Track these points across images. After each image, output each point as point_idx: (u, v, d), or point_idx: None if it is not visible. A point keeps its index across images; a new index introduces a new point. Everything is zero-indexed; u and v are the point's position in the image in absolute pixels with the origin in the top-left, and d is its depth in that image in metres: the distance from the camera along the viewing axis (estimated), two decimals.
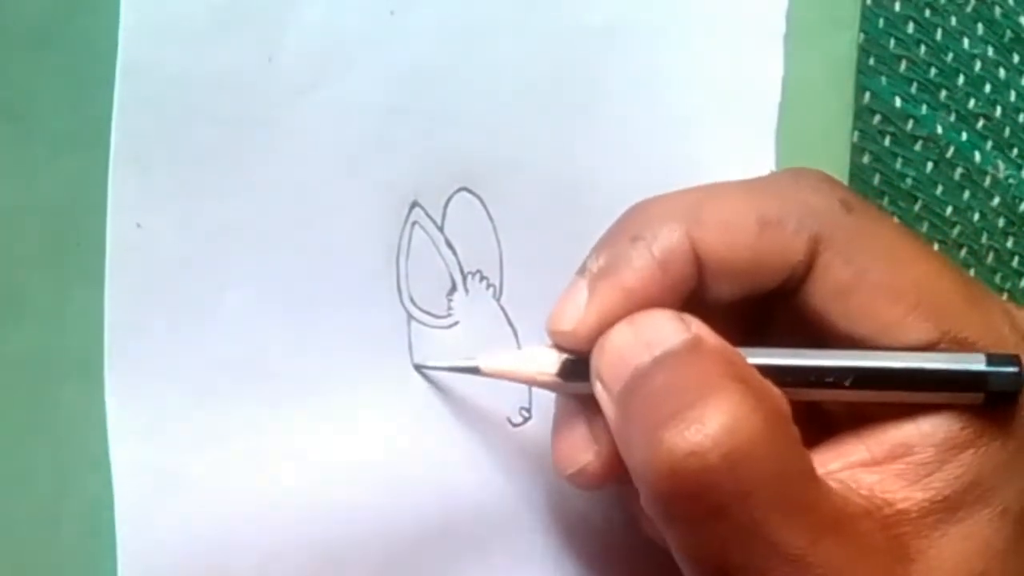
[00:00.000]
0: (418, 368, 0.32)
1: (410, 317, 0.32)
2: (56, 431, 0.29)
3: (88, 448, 0.29)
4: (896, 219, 0.28)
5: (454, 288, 0.32)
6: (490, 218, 0.33)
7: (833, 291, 0.28)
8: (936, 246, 0.39)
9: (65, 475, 0.29)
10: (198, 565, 0.30)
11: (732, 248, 0.28)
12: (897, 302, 0.27)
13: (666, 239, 0.28)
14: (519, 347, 0.33)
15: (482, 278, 0.32)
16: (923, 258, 0.28)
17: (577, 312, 0.28)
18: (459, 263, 0.32)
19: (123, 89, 0.29)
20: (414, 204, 0.32)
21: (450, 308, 0.32)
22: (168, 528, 0.29)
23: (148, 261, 0.29)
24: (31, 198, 0.29)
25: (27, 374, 0.29)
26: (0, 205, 0.29)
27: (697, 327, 0.27)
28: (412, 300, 0.32)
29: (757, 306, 0.29)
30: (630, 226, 0.29)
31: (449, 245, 0.32)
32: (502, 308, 0.33)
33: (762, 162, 0.35)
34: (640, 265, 0.28)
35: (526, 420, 0.33)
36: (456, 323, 0.32)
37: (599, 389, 0.28)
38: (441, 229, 0.32)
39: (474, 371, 0.30)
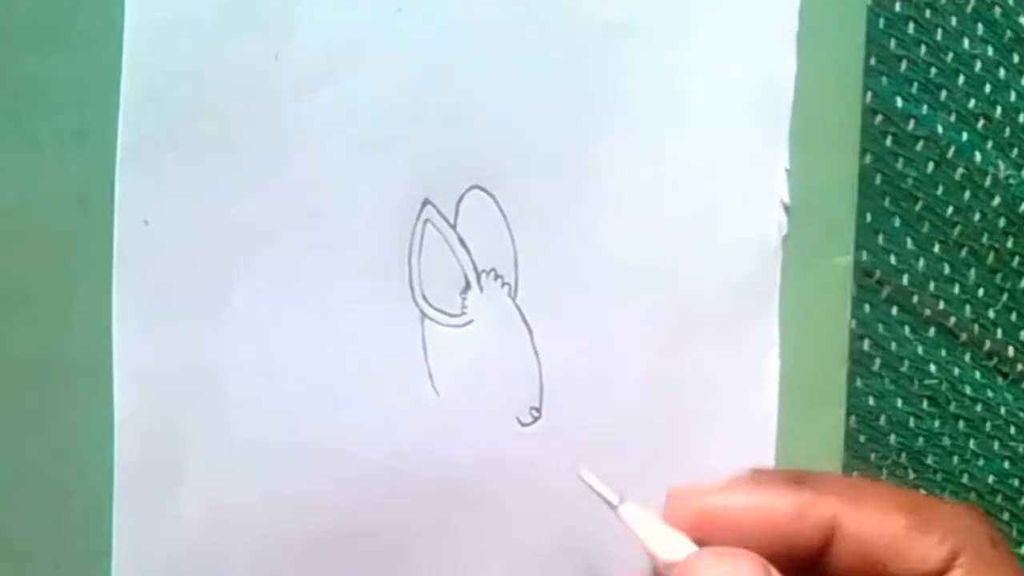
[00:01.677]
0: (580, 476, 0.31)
1: (423, 315, 0.31)
2: (61, 429, 0.29)
3: (91, 447, 0.29)
4: None
5: (468, 286, 0.32)
6: (503, 216, 0.32)
7: None
8: (937, 246, 0.39)
9: (66, 474, 0.29)
10: (196, 561, 0.30)
11: (872, 532, 0.28)
12: None
13: (817, 498, 0.29)
14: (533, 346, 0.33)
15: (496, 276, 0.32)
16: None
17: (705, 490, 0.29)
18: (472, 261, 0.32)
19: (130, 86, 0.28)
20: (426, 202, 0.31)
21: (464, 307, 0.32)
22: (166, 525, 0.29)
23: (156, 258, 0.29)
24: (37, 196, 0.29)
25: (33, 372, 0.29)
26: (7, 204, 0.28)
27: None
28: (425, 298, 0.31)
29: None
30: (796, 471, 0.30)
31: (462, 243, 0.32)
32: (517, 307, 0.33)
33: (775, 160, 0.35)
34: (781, 500, 0.29)
35: (536, 420, 0.33)
36: (471, 321, 0.32)
37: None
38: (454, 227, 0.32)
39: (613, 507, 0.30)
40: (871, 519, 0.28)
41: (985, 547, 0.29)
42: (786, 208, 0.36)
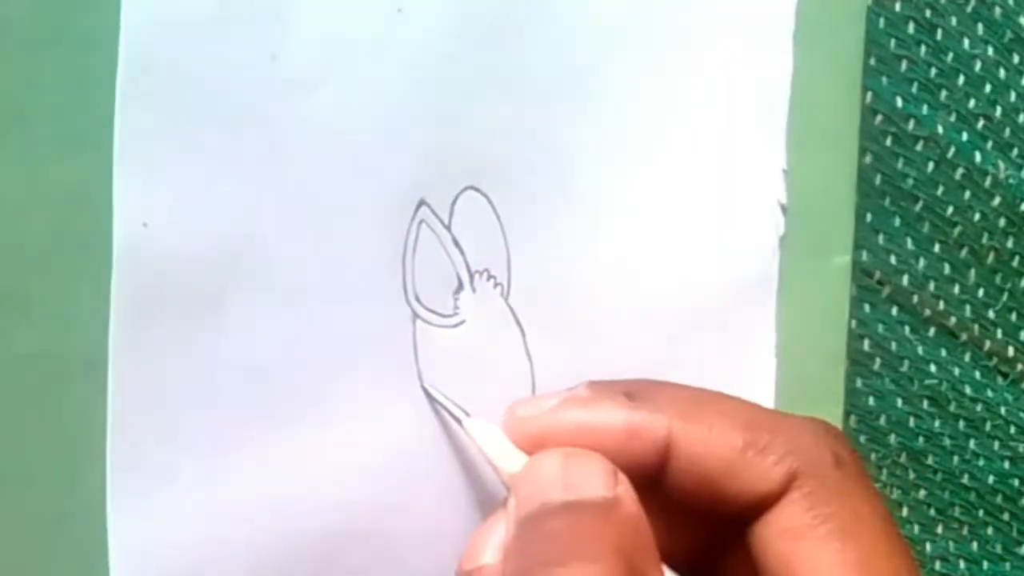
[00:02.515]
0: (425, 388, 0.32)
1: (415, 316, 0.31)
2: (59, 431, 0.29)
3: (90, 448, 0.29)
4: (880, 497, 0.29)
5: (461, 287, 0.32)
6: (497, 217, 0.32)
7: (785, 531, 0.27)
8: (937, 246, 0.39)
9: (66, 475, 0.29)
10: (191, 561, 0.30)
11: (707, 451, 0.28)
12: (838, 566, 0.27)
13: (650, 417, 0.28)
14: (525, 347, 0.33)
15: (489, 277, 0.32)
16: (880, 539, 0.28)
17: (537, 409, 0.29)
18: (466, 262, 0.32)
19: (125, 87, 0.28)
20: (421, 203, 0.31)
21: (456, 307, 0.32)
22: (161, 526, 0.29)
23: (154, 260, 0.29)
24: (35, 198, 0.29)
25: (31, 374, 0.29)
26: (4, 205, 0.28)
27: (625, 490, 0.27)
28: (418, 299, 0.31)
29: (716, 529, 0.29)
30: (634, 385, 0.29)
31: (456, 244, 0.32)
32: (510, 307, 0.33)
33: (772, 160, 0.35)
34: (612, 420, 0.28)
35: None
36: (462, 322, 0.32)
37: (510, 503, 0.28)
38: (448, 228, 0.32)
39: (458, 422, 0.31)
40: (707, 437, 0.28)
41: (828, 468, 0.28)
42: (783, 208, 0.36)
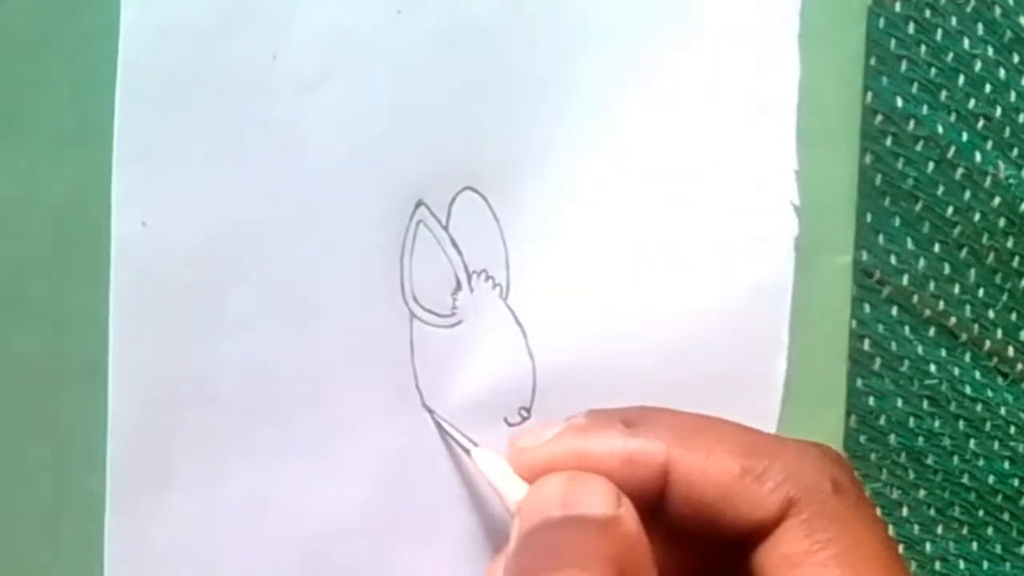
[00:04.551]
0: (433, 417, 0.32)
1: (412, 316, 0.32)
2: (58, 431, 0.29)
3: (89, 448, 0.29)
4: (881, 524, 0.29)
5: (459, 287, 0.32)
6: (495, 217, 0.32)
7: (784, 557, 0.27)
8: (937, 246, 0.39)
9: (65, 475, 0.29)
10: (188, 561, 0.30)
11: (704, 477, 0.28)
12: None
13: (647, 444, 0.28)
14: (527, 347, 0.33)
15: (488, 277, 0.32)
16: (880, 566, 0.28)
17: (536, 440, 0.29)
18: (464, 262, 0.32)
19: (125, 87, 0.28)
20: (419, 203, 0.31)
21: (454, 307, 0.32)
22: (159, 524, 0.29)
23: (153, 259, 0.29)
24: (34, 197, 0.29)
25: (30, 374, 0.29)
26: (3, 204, 0.28)
27: (626, 510, 0.27)
28: (415, 299, 0.32)
29: (716, 555, 0.29)
30: (632, 413, 0.29)
31: (454, 244, 0.32)
32: (509, 307, 0.33)
33: (783, 162, 0.35)
34: (610, 447, 0.28)
35: (524, 420, 0.33)
36: (459, 322, 0.32)
37: (515, 523, 0.28)
38: (446, 228, 0.32)
39: (465, 451, 0.31)
40: (704, 464, 0.28)
41: (826, 494, 0.28)
42: (796, 210, 0.36)
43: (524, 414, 0.33)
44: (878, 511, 0.31)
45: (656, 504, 0.28)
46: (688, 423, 0.29)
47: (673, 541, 0.29)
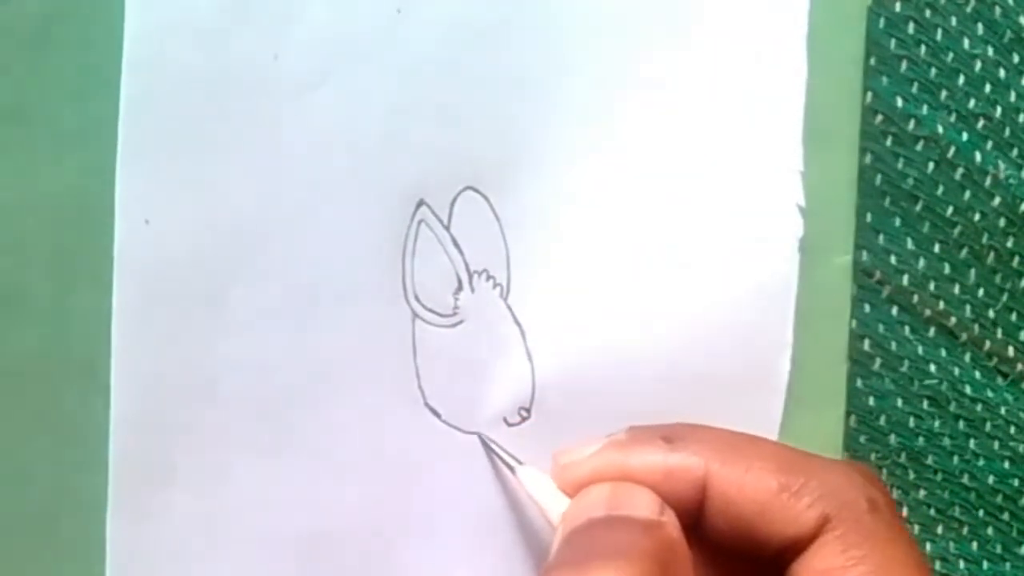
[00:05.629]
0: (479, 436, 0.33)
1: (415, 315, 0.32)
2: (59, 430, 0.29)
3: (89, 448, 0.29)
4: (915, 542, 0.29)
5: (460, 287, 0.32)
6: (496, 217, 0.32)
7: (819, 573, 0.28)
8: (937, 246, 0.39)
9: (66, 474, 0.29)
10: (189, 560, 0.30)
11: (743, 493, 0.28)
12: None
13: (687, 459, 0.29)
14: (525, 347, 0.33)
15: (488, 277, 0.32)
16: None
17: (578, 456, 0.30)
18: (465, 262, 0.32)
19: (130, 86, 0.29)
20: (420, 203, 0.32)
21: (456, 307, 0.32)
22: (160, 523, 0.29)
23: (156, 257, 0.29)
24: (37, 196, 0.29)
25: (32, 373, 0.29)
26: (6, 204, 0.29)
27: (669, 519, 0.28)
28: (417, 298, 0.32)
29: (751, 570, 0.30)
30: (672, 429, 0.30)
31: (455, 244, 0.32)
32: (509, 307, 0.33)
33: (789, 163, 0.35)
34: (651, 462, 0.29)
35: (524, 420, 0.33)
36: (461, 322, 0.32)
37: (558, 530, 0.28)
38: (447, 228, 0.32)
39: (511, 470, 0.32)
40: (743, 480, 0.28)
41: (861, 512, 0.28)
42: (801, 211, 0.36)
43: (524, 414, 0.33)
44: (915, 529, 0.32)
45: (694, 519, 0.29)
46: (727, 440, 0.30)
47: (709, 555, 0.29)
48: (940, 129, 0.39)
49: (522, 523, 0.33)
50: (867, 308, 0.39)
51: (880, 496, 0.29)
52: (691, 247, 0.35)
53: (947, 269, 0.40)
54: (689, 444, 0.29)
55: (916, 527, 0.41)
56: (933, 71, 0.39)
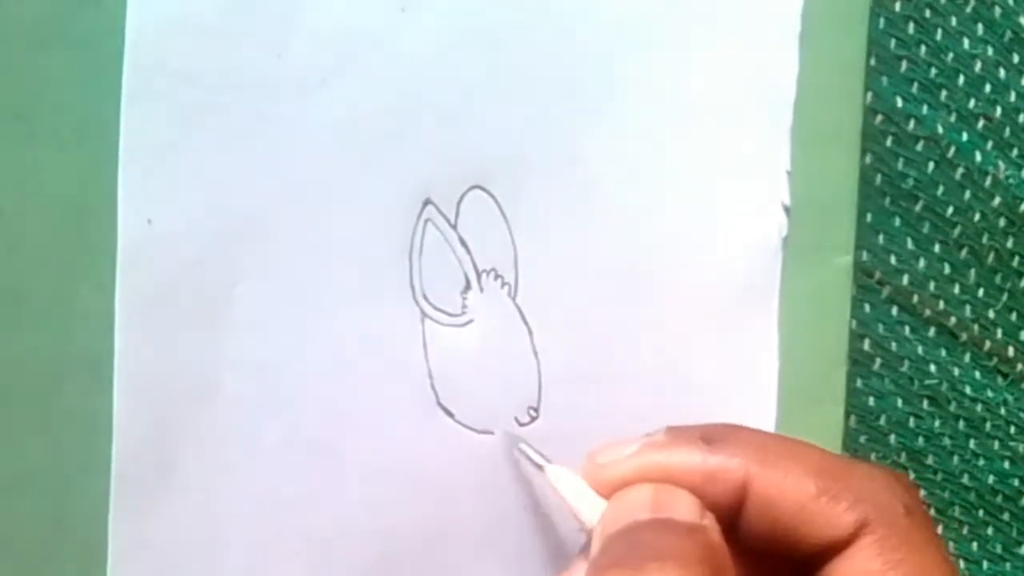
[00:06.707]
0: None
1: (424, 315, 0.31)
2: (62, 430, 0.29)
3: (92, 448, 0.29)
4: (945, 547, 0.30)
5: (468, 286, 0.32)
6: (504, 216, 0.32)
7: (856, 575, 0.28)
8: (937, 246, 0.39)
9: (69, 474, 0.29)
10: (192, 560, 0.30)
11: (781, 496, 0.28)
12: None
13: (727, 461, 0.29)
14: (533, 347, 0.33)
15: (496, 276, 0.32)
16: None
17: (617, 455, 0.29)
18: (473, 261, 0.32)
19: (131, 86, 0.28)
20: (427, 202, 0.31)
21: (464, 306, 0.32)
22: (163, 523, 0.29)
23: (159, 257, 0.29)
24: (39, 195, 0.29)
25: (35, 372, 0.29)
26: (8, 204, 0.28)
27: (711, 523, 0.27)
28: (426, 298, 0.31)
29: (787, 571, 0.30)
30: (711, 430, 0.30)
31: (463, 243, 0.32)
32: (517, 306, 0.33)
33: (777, 162, 0.35)
34: (690, 463, 0.29)
35: (533, 420, 0.33)
36: (470, 321, 0.32)
37: (597, 530, 0.28)
38: (455, 227, 0.32)
39: (539, 468, 0.31)
40: (782, 482, 0.28)
41: (898, 516, 0.28)
42: (786, 210, 0.36)
43: (533, 413, 0.33)
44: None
45: (731, 522, 0.29)
46: (766, 442, 0.30)
47: (746, 557, 0.29)
48: (940, 129, 0.39)
49: (536, 523, 0.33)
50: (867, 308, 0.39)
51: (913, 501, 0.29)
52: (683, 245, 0.35)
53: (947, 269, 0.40)
54: (729, 445, 0.29)
55: None
56: (933, 71, 0.39)
